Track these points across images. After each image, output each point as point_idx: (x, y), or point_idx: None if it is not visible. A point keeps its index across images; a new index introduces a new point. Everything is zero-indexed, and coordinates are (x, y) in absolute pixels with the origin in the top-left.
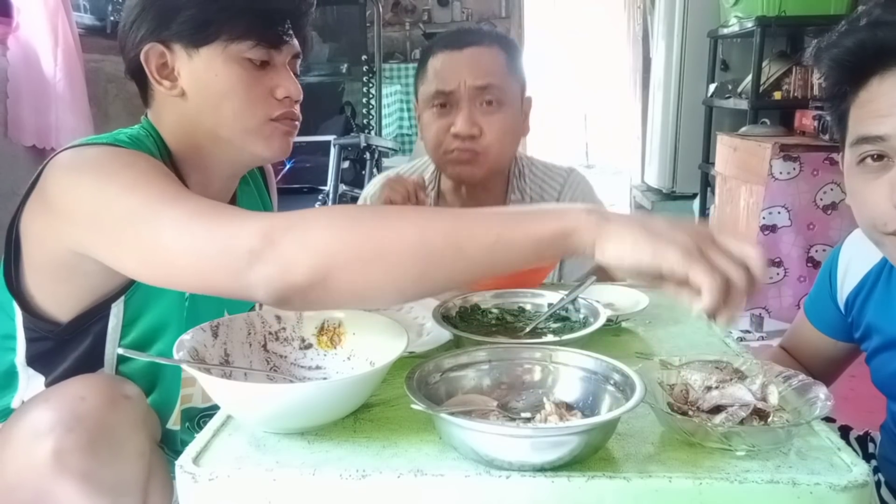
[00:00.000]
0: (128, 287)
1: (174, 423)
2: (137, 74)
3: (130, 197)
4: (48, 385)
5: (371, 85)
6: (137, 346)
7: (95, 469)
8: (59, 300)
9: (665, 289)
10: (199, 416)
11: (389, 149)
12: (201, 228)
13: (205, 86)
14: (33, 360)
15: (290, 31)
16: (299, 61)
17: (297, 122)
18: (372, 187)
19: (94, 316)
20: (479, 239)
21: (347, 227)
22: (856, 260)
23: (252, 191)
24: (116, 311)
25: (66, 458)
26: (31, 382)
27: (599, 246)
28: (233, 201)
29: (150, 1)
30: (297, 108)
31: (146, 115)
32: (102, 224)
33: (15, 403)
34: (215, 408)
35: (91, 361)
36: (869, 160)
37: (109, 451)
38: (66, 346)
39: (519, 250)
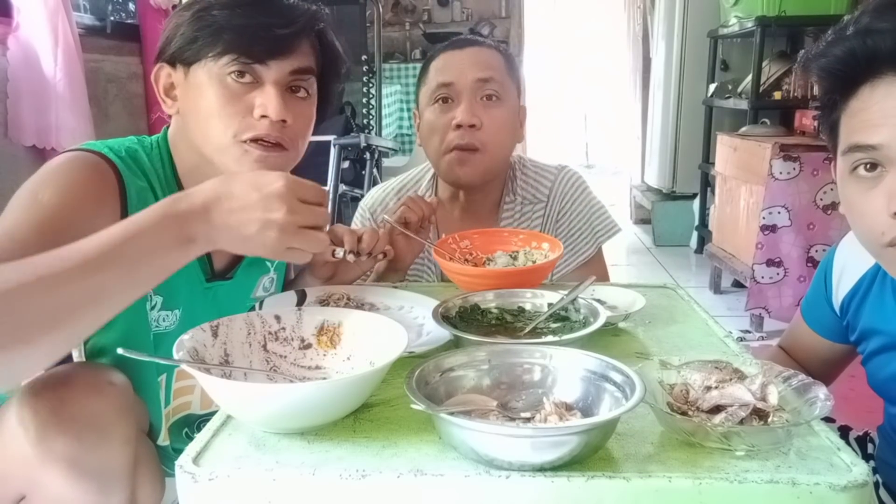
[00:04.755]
0: None
1: (163, 440)
2: None
3: None
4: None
5: (371, 85)
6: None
7: (81, 455)
8: None
9: None
10: (198, 422)
11: (389, 149)
12: None
13: (190, 103)
14: None
15: (284, 46)
16: (311, 77)
17: (276, 148)
18: (370, 199)
19: None
20: (115, 296)
21: None
22: (851, 263)
23: None
24: None
25: (51, 445)
26: None
27: (221, 249)
28: None
29: (168, 25)
30: (281, 131)
31: (166, 128)
32: None
33: None
34: (214, 412)
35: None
36: (862, 169)
37: (95, 437)
38: None
39: (146, 279)
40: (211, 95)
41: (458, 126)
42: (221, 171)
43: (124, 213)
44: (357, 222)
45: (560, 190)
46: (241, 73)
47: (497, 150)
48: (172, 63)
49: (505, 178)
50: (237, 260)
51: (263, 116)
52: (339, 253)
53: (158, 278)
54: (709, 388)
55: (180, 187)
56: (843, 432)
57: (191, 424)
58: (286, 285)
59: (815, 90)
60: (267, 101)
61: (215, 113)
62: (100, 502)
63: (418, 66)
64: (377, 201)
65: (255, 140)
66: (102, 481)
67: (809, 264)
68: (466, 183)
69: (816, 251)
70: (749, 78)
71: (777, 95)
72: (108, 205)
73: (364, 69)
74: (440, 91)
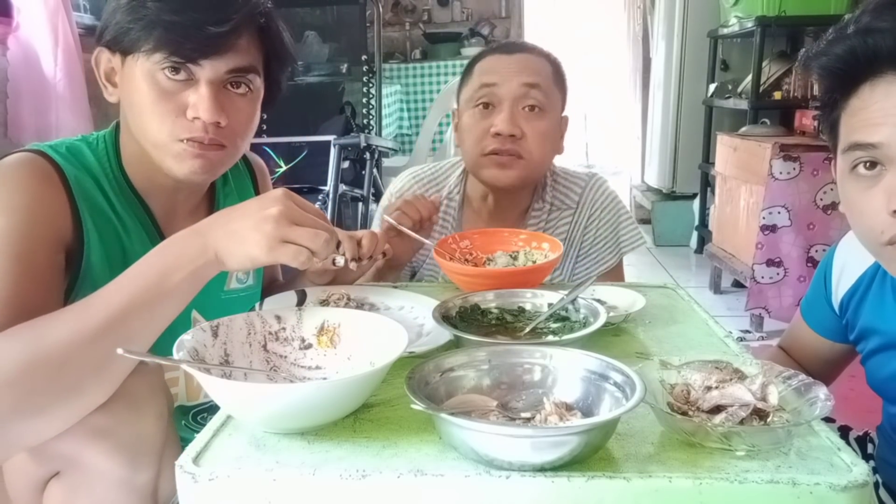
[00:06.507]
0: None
1: None
2: None
3: None
4: None
5: (371, 85)
6: None
7: (115, 429)
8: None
9: None
10: (192, 412)
11: (389, 149)
12: None
13: (127, 95)
14: None
15: (218, 45)
16: (251, 74)
17: (213, 146)
18: (400, 183)
19: None
20: (142, 331)
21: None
22: (850, 262)
23: (232, 191)
24: None
25: (87, 419)
26: None
27: (225, 264)
28: (210, 203)
29: (106, 7)
30: (217, 130)
31: (116, 123)
32: None
33: None
34: (204, 403)
35: None
36: (861, 167)
37: (129, 412)
38: None
39: (174, 304)
40: (144, 90)
41: (497, 134)
42: (162, 165)
43: (72, 203)
44: (384, 203)
45: (590, 198)
46: (174, 70)
47: (536, 160)
48: (111, 49)
49: (536, 185)
50: None
51: (196, 118)
52: (340, 261)
53: (180, 303)
54: (709, 388)
55: (125, 177)
56: (843, 432)
57: (186, 415)
58: (281, 287)
59: (815, 90)
60: (199, 102)
61: (149, 110)
62: (130, 477)
63: (418, 66)
64: (406, 187)
65: (192, 140)
66: (134, 455)
67: (809, 264)
68: (502, 186)
69: (816, 251)
70: (749, 78)
71: (777, 95)
72: (57, 201)
73: (364, 69)
74: (482, 92)
